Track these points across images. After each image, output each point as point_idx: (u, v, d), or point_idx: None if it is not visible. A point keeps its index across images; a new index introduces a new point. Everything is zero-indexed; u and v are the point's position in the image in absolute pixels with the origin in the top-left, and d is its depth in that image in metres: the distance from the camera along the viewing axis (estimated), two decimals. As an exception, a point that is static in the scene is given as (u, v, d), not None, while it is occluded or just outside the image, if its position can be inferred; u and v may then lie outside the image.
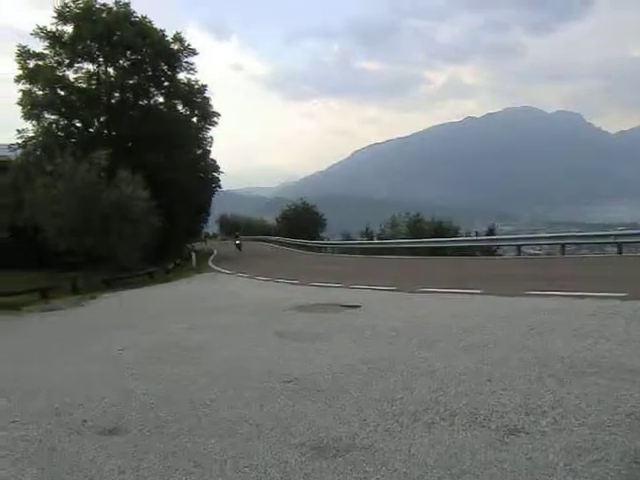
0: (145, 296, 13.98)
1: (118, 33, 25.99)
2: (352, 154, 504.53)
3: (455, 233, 24.18)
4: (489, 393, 3.33)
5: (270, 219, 61.26)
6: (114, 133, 26.49)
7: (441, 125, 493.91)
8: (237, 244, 36.20)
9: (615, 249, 14.11)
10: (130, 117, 26.74)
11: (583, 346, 4.27)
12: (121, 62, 27.48)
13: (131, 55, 27.38)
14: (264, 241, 46.36)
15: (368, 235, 30.11)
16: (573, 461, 2.31)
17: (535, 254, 17.64)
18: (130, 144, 26.54)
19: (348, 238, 32.90)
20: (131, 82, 27.82)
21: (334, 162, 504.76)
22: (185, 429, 3.23)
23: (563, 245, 15.19)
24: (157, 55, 27.87)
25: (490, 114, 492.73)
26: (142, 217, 19.89)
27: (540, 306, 6.33)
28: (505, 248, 18.76)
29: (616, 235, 14.16)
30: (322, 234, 44.11)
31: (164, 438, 3.11)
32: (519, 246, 16.56)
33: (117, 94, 27.65)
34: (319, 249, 30.51)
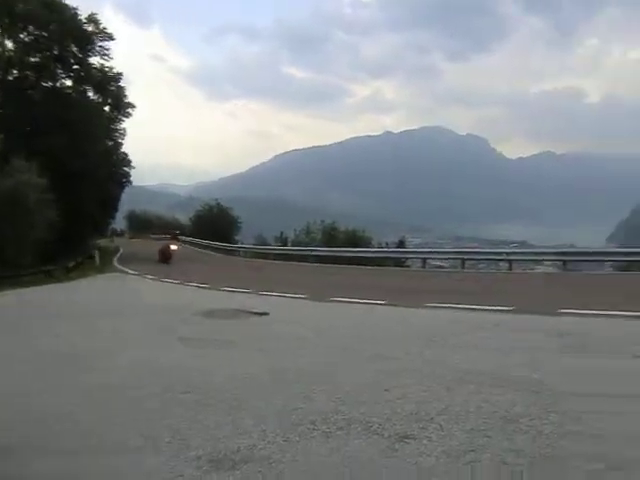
0: (37, 297, 13.01)
1: (21, 5, 24.05)
2: (272, 158, 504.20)
3: (368, 244, 24.97)
4: (385, 402, 3.51)
5: (183, 218, 59.53)
6: (10, 113, 24.35)
7: (360, 137, 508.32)
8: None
9: (507, 265, 15.44)
10: (29, 97, 24.79)
11: (471, 356, 4.64)
12: (22, 36, 25.43)
13: (35, 30, 25.41)
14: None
15: (282, 241, 30.24)
16: (451, 463, 2.52)
17: (440, 266, 18.75)
18: (29, 128, 24.57)
19: (263, 243, 32.83)
20: (33, 60, 25.83)
21: (254, 165, 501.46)
22: (70, 447, 3.07)
23: (463, 260, 16.35)
24: (66, 34, 26.10)
25: (407, 131, 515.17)
26: (37, 208, 18.44)
27: (437, 318, 6.78)
28: (413, 260, 19.73)
29: (507, 252, 15.60)
30: (237, 237, 43.61)
31: (48, 460, 2.94)
32: (424, 259, 17.59)
33: (15, 71, 25.55)
34: (233, 252, 30.15)
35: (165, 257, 24.66)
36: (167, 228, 54.88)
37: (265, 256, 25.64)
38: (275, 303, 9.00)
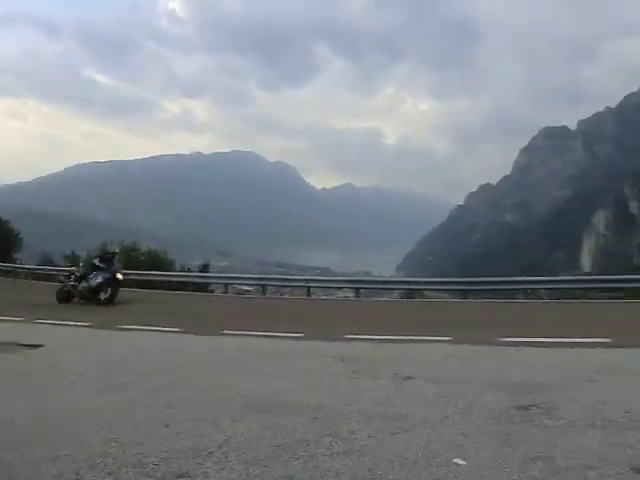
0: None
1: None
2: (66, 169, 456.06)
3: (171, 266, 24.05)
4: (164, 439, 3.36)
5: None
6: None
7: (169, 155, 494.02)
8: None
9: (311, 291, 16.45)
10: None
11: (259, 384, 4.76)
12: None
13: None
14: None
15: (73, 260, 27.34)
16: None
17: (247, 291, 19.02)
18: None
19: (49, 262, 29.23)
20: None
21: (44, 174, 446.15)
22: None
23: (264, 285, 16.92)
24: None
25: (219, 153, 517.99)
26: None
27: (231, 345, 6.83)
28: (217, 285, 19.62)
29: (307, 279, 16.66)
30: (17, 255, 37.92)
31: None
32: (227, 284, 17.70)
33: None
34: (8, 273, 26.14)
35: None
36: None
37: (51, 277, 22.78)
38: (54, 333, 8.05)
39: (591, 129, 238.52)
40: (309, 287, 16.31)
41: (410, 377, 4.77)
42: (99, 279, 12.48)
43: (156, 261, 23.41)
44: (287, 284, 18.12)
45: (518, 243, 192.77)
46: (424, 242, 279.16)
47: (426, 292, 18.80)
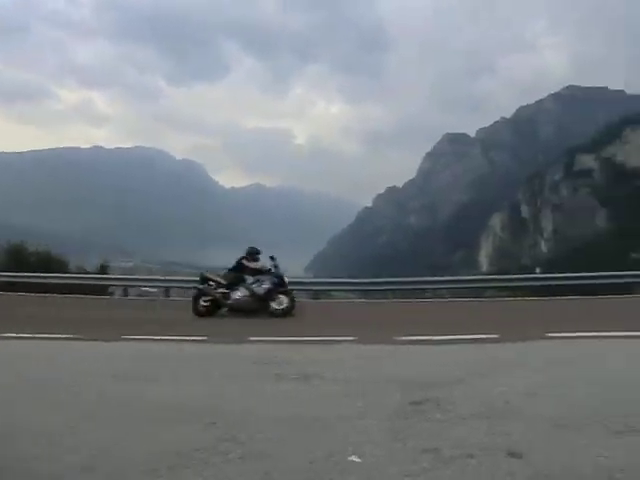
0: None
1: None
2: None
3: (64, 268, 22.48)
4: (56, 458, 3.17)
5: None
6: None
7: (65, 148, 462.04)
8: None
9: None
10: None
11: (157, 391, 4.61)
12: None
13: None
14: None
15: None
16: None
17: (149, 293, 18.19)
18: None
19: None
20: None
21: None
22: None
23: (167, 288, 16.38)
24: None
25: (121, 148, 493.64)
26: None
27: (130, 350, 6.57)
28: (117, 287, 18.63)
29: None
30: None
31: None
32: (127, 286, 16.93)
33: None
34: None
35: None
36: None
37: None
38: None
39: (489, 137, 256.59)
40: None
41: (312, 377, 4.86)
42: (267, 284, 10.45)
43: (47, 262, 21.82)
44: (192, 285, 17.57)
45: (422, 244, 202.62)
46: (333, 243, 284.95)
47: (334, 293, 19.21)
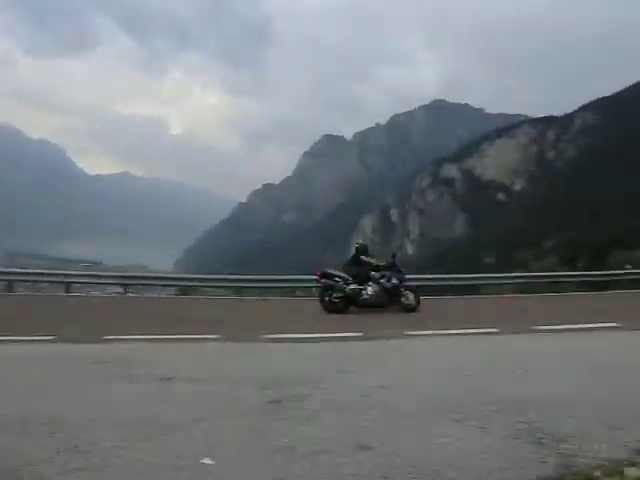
0: None
1: None
2: None
3: None
4: None
5: None
6: None
7: None
8: None
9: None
10: None
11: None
12: None
13: None
14: None
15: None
16: None
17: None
18: None
19: None
20: None
21: None
22: None
23: (11, 281, 14.84)
24: None
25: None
26: None
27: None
28: None
29: (66, 274, 15.15)
30: None
31: None
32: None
33: None
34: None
35: None
36: None
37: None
38: None
39: (364, 141, 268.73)
40: (69, 283, 14.82)
41: (169, 378, 4.67)
42: (395, 280, 10.59)
43: None
44: (41, 279, 16.12)
45: (297, 242, 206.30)
46: (206, 238, 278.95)
47: (204, 289, 18.77)
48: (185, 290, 16.34)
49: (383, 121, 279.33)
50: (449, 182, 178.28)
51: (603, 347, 6.62)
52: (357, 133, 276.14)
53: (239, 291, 16.59)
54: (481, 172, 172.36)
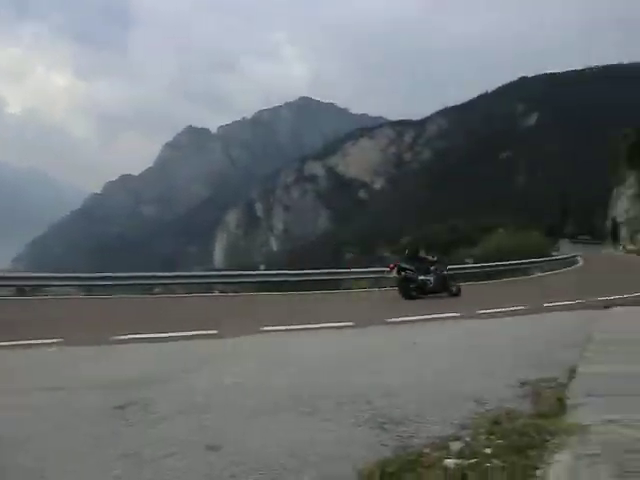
0: None
1: None
2: None
3: None
4: None
5: None
6: None
7: None
8: None
9: None
10: None
11: None
12: None
13: None
14: None
15: None
16: None
17: None
18: None
19: None
20: None
21: None
22: None
23: None
24: None
25: None
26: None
27: None
28: None
29: None
30: None
31: None
32: None
33: None
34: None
35: None
36: None
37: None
38: None
39: (230, 135, 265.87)
40: None
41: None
42: (444, 272, 13.41)
43: None
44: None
45: (157, 236, 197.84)
46: (53, 230, 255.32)
47: (49, 288, 17.18)
48: (22, 291, 14.79)
49: (249, 116, 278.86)
50: (313, 179, 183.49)
51: (442, 334, 7.34)
52: (223, 126, 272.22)
53: (89, 290, 15.50)
54: (344, 170, 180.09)
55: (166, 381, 4.46)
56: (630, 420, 3.11)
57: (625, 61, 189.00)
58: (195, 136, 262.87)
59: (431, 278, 12.95)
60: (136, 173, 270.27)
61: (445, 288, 13.06)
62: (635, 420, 3.11)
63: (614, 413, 3.26)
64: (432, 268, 13.15)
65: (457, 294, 12.98)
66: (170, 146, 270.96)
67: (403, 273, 12.91)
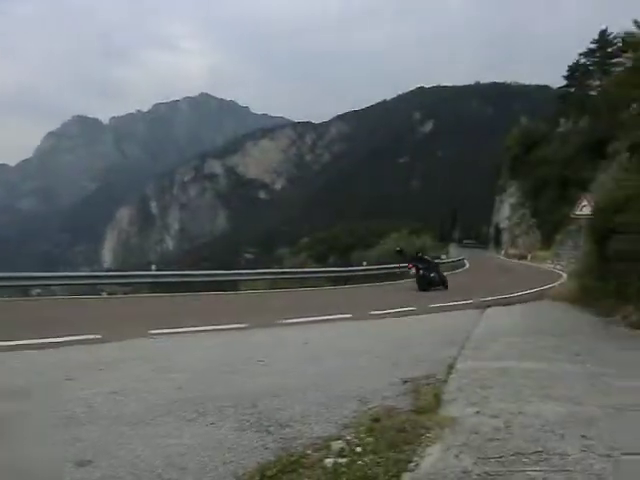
0: None
1: None
2: None
3: None
4: None
5: None
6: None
7: None
8: None
9: None
10: None
11: None
12: None
13: None
14: None
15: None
16: None
17: None
18: None
19: None
20: None
21: None
22: None
23: None
24: None
25: None
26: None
27: None
28: None
29: None
30: None
31: None
32: None
33: None
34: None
35: None
36: None
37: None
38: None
39: (122, 127, 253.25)
40: None
41: None
42: (440, 269, 17.27)
43: None
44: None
45: (35, 232, 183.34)
46: None
47: None
48: None
49: (145, 108, 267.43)
50: (213, 178, 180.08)
51: (333, 335, 7.52)
52: (115, 118, 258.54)
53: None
54: (244, 170, 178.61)
55: (41, 392, 4.13)
56: (496, 410, 3.40)
57: (508, 80, 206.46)
58: (84, 126, 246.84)
59: (436, 275, 16.12)
60: (12, 164, 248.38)
61: (442, 282, 16.02)
62: (500, 410, 3.40)
63: (483, 405, 3.55)
64: (432, 267, 16.40)
65: (446, 288, 15.82)
66: (55, 135, 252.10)
67: (421, 272, 15.84)
